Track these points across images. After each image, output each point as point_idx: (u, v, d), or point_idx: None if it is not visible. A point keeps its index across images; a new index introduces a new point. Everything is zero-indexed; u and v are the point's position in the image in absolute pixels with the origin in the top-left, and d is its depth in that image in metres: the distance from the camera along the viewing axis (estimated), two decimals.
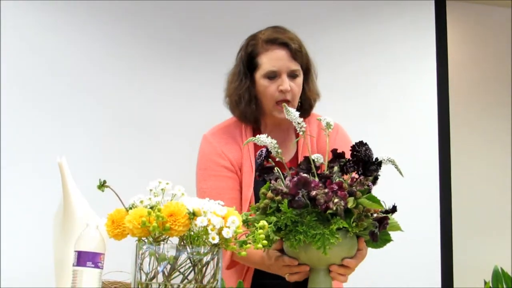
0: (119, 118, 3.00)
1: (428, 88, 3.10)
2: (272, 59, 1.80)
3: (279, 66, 1.79)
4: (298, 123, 1.44)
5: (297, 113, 1.45)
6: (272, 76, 1.80)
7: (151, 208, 1.17)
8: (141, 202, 1.19)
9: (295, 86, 1.81)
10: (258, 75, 1.82)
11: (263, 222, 1.22)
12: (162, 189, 1.22)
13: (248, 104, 1.83)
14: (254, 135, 1.84)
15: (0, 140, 2.61)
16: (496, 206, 3.32)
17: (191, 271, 1.15)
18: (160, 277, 1.14)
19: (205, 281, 1.15)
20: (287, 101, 1.78)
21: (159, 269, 1.14)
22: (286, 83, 1.78)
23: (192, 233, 1.16)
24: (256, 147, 1.84)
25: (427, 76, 3.12)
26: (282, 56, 1.80)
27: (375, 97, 3.13)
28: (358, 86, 3.17)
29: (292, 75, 1.81)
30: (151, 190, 1.22)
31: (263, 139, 1.43)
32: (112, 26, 3.04)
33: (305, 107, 1.87)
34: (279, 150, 1.44)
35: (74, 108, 2.87)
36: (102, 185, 1.22)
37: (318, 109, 2.05)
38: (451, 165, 3.05)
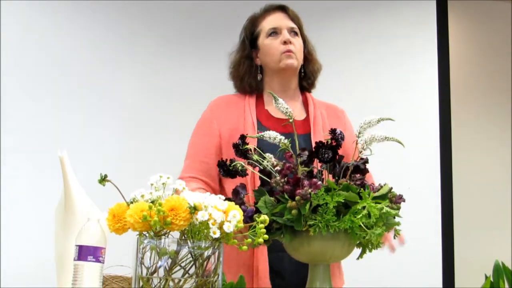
0: (120, 114, 3.01)
1: (430, 84, 3.10)
2: (271, 20, 1.95)
3: (278, 24, 1.93)
4: (286, 108, 1.46)
5: (283, 101, 1.48)
6: (273, 32, 1.92)
7: (152, 202, 1.17)
8: (142, 196, 1.19)
9: (296, 42, 1.92)
10: (261, 39, 1.94)
11: (264, 217, 1.21)
12: (163, 184, 1.22)
13: (249, 68, 1.93)
14: (257, 103, 1.92)
15: (0, 136, 2.61)
16: (497, 202, 3.32)
17: (192, 266, 1.15)
18: (161, 272, 1.14)
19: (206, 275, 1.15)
20: (291, 52, 1.89)
21: (160, 263, 1.13)
22: (287, 35, 1.91)
23: (193, 227, 1.16)
24: (259, 112, 1.89)
25: (428, 72, 3.12)
26: (280, 16, 1.96)
27: (376, 93, 3.13)
28: (359, 82, 3.17)
29: (292, 32, 1.93)
30: (152, 184, 1.22)
31: (272, 134, 1.43)
32: (114, 25, 3.05)
33: (309, 76, 1.98)
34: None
35: (75, 103, 2.87)
36: (103, 179, 1.22)
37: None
38: (452, 161, 3.05)
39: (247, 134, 1.48)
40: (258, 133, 1.75)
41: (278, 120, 1.86)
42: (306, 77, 1.97)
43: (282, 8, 1.97)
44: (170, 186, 1.23)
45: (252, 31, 1.97)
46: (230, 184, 1.78)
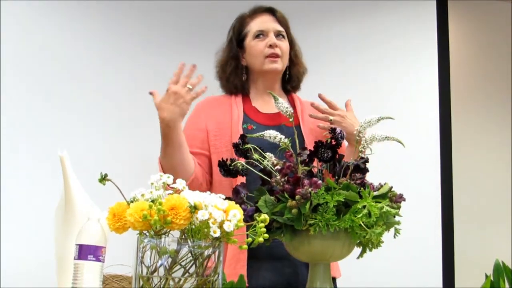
0: (120, 112, 3.00)
1: (430, 84, 3.10)
2: (259, 22, 1.96)
3: (266, 27, 1.95)
4: (286, 107, 1.47)
5: (284, 101, 1.48)
6: (260, 34, 1.94)
7: (152, 201, 1.17)
8: (142, 195, 1.19)
9: (282, 44, 1.94)
10: (248, 41, 1.96)
11: (264, 216, 1.21)
12: (163, 183, 1.22)
13: (235, 69, 1.95)
14: (244, 101, 1.95)
15: (0, 136, 2.60)
16: (497, 201, 3.32)
17: (192, 265, 1.15)
18: (161, 271, 1.14)
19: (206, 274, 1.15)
20: (277, 56, 1.91)
21: (160, 262, 1.13)
22: (273, 38, 1.93)
23: (193, 226, 1.16)
24: (247, 108, 1.91)
25: (428, 71, 3.11)
26: (268, 19, 1.97)
27: (376, 92, 3.13)
28: (358, 81, 3.17)
29: (279, 35, 1.95)
30: (152, 183, 1.22)
31: (273, 133, 1.43)
32: (114, 25, 3.05)
33: (294, 79, 2.00)
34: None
35: (75, 103, 2.87)
36: (103, 179, 1.22)
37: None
38: (452, 161, 3.05)
39: (247, 134, 1.47)
40: (248, 127, 1.80)
41: (266, 115, 1.92)
42: (291, 80, 2.00)
43: (271, 10, 1.99)
44: (171, 186, 1.23)
45: (240, 31, 1.99)
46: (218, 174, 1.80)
